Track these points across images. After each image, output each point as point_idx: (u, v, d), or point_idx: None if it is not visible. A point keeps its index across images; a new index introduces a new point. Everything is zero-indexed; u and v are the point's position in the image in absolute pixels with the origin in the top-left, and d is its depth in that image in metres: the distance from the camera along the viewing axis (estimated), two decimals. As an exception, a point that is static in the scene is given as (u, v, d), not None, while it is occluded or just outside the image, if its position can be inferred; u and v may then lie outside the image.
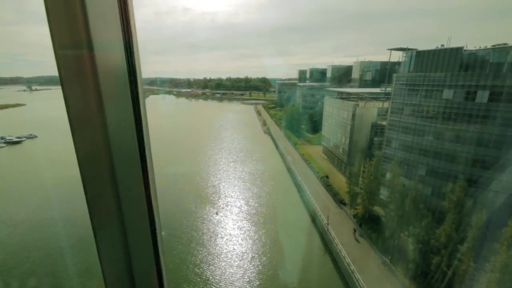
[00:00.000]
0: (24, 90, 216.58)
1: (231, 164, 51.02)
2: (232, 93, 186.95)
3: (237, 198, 37.83)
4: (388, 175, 31.14)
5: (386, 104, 41.01)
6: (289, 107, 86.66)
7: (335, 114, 48.58)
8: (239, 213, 34.12)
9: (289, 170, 48.59)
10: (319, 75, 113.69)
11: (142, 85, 1.01)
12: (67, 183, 38.16)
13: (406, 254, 23.60)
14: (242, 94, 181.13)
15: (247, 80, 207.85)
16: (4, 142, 66.72)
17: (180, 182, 42.07)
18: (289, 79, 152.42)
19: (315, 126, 68.66)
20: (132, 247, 1.07)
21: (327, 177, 42.16)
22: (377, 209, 30.43)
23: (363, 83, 75.50)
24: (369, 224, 28.76)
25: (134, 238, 1.07)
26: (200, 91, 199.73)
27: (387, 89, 44.05)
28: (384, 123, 36.78)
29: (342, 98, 50.17)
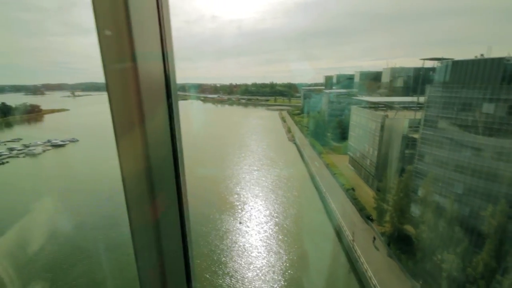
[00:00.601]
0: (68, 96, 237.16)
1: (255, 172, 51.51)
2: (257, 99, 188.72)
3: (260, 208, 38.10)
4: (420, 192, 29.52)
5: (418, 115, 39.07)
6: (314, 114, 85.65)
7: (362, 124, 47.11)
8: (261, 223, 34.32)
9: (313, 180, 47.89)
10: (346, 81, 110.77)
11: (176, 92, 1.10)
12: (105, 185, 41.35)
13: (439, 281, 22.14)
14: (267, 100, 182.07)
15: (272, 86, 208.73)
16: (51, 145, 73.68)
17: (203, 187, 43.05)
18: (315, 84, 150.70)
19: (341, 135, 67.03)
20: (165, 249, 1.14)
21: (353, 189, 40.89)
22: (408, 228, 28.89)
23: (393, 90, 72.32)
24: (398, 244, 27.38)
25: (167, 242, 1.14)
26: (226, 97, 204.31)
27: (420, 98, 41.91)
28: (416, 136, 34.95)
29: (370, 108, 48.56)
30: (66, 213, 36.29)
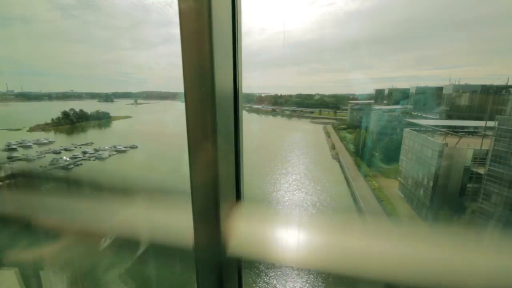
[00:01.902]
0: (132, 104, 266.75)
1: (295, 192, 51.06)
2: (302, 111, 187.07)
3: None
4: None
5: (485, 143, 34.54)
6: (361, 132, 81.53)
7: (416, 150, 43.34)
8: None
9: (356, 204, 45.43)
10: (400, 95, 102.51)
11: (242, 107, 1.16)
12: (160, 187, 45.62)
13: None
14: (312, 112, 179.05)
15: (317, 97, 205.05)
16: (115, 150, 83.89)
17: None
18: (365, 96, 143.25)
19: (391, 157, 62.30)
20: (223, 257, 1.15)
21: (402, 221, 37.59)
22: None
23: (455, 110, 64.82)
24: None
25: (226, 252, 1.16)
26: (270, 108, 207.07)
27: (488, 123, 37.08)
28: (481, 170, 30.88)
29: (426, 131, 44.36)
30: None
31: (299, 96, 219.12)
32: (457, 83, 69.28)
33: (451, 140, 37.88)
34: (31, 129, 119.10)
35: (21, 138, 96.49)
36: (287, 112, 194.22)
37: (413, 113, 78.17)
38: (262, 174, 59.81)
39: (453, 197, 34.53)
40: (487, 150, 31.40)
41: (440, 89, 79.08)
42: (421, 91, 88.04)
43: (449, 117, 62.94)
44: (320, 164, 70.03)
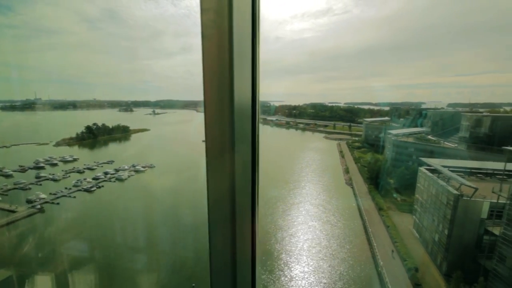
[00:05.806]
0: (150, 114, 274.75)
1: (308, 225, 51.30)
2: (316, 124, 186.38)
3: (305, 274, 37.79)
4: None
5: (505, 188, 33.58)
6: (375, 156, 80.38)
7: (431, 194, 42.64)
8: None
9: (370, 245, 45.03)
10: (417, 115, 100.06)
11: (259, 119, 1.16)
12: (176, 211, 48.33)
13: None
14: (326, 126, 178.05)
15: (332, 110, 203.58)
16: (134, 170, 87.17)
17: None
18: (378, 104, 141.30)
19: (406, 187, 61.17)
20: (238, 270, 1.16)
21: (416, 270, 37.09)
22: None
23: (475, 141, 62.60)
24: None
25: (240, 266, 1.18)
26: (284, 120, 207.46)
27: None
28: (496, 231, 30.17)
29: (439, 174, 43.32)
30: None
31: (313, 106, 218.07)
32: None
33: (467, 190, 36.94)
34: (57, 144, 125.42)
35: (48, 154, 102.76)
36: (301, 125, 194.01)
37: (432, 138, 76.30)
38: (272, 201, 60.22)
39: (468, 251, 33.60)
40: (504, 204, 30.55)
41: (458, 114, 76.21)
42: (438, 115, 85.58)
43: (468, 147, 61.12)
44: (333, 189, 69.46)
